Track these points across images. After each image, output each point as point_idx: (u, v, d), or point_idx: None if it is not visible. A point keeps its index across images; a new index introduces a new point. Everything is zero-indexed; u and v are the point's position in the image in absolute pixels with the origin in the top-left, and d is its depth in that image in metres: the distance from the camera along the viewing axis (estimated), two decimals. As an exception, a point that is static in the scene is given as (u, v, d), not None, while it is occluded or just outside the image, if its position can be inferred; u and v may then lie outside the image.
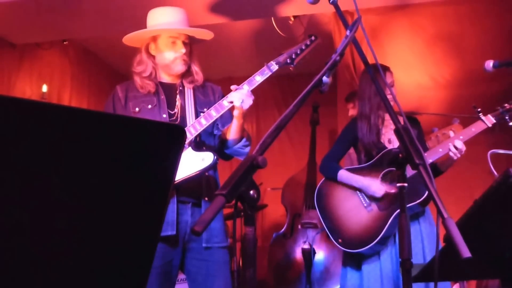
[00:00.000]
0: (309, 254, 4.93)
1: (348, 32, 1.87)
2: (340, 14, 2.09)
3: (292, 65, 2.85)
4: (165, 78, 2.99)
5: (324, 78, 1.83)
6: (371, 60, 1.92)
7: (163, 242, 2.73)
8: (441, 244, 1.58)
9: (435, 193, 1.44)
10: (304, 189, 5.43)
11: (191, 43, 2.97)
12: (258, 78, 2.79)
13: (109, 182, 1.25)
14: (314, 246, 5.00)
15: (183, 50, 2.89)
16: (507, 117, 3.06)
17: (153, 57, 2.95)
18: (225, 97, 2.79)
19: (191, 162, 2.72)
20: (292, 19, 5.55)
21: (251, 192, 1.61)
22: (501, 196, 1.57)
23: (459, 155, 3.07)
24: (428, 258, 3.10)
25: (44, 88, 6.22)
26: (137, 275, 1.35)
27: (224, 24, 5.43)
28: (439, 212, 1.40)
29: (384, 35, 5.16)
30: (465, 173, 4.60)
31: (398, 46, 5.23)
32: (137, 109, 2.89)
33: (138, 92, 2.93)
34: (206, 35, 3.03)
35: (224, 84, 3.22)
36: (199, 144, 2.84)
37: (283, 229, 5.51)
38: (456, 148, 3.04)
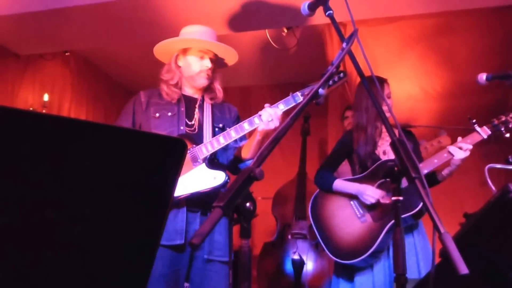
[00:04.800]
0: (299, 264, 4.92)
1: (344, 45, 1.87)
2: (336, 26, 2.10)
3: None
4: (188, 91, 3.12)
5: (320, 90, 1.83)
6: (365, 71, 1.91)
7: (172, 250, 2.80)
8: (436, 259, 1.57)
9: (432, 207, 1.43)
10: (294, 199, 5.43)
11: (216, 63, 3.11)
12: (282, 107, 2.83)
13: (111, 192, 1.28)
14: (304, 257, 4.99)
15: (209, 65, 3.03)
16: (502, 129, 3.03)
17: (180, 67, 3.08)
18: (255, 115, 2.83)
19: (203, 178, 2.81)
20: (285, 30, 5.56)
21: (247, 204, 1.59)
22: (499, 211, 1.56)
23: (468, 153, 3.02)
24: (423, 272, 3.07)
25: (46, 97, 6.40)
26: (137, 281, 1.37)
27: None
28: (436, 227, 1.38)
29: (375, 47, 5.18)
30: (455, 185, 4.61)
31: (389, 58, 5.25)
32: (157, 114, 3.00)
33: (160, 99, 3.05)
34: (232, 56, 3.16)
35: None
36: (213, 161, 2.92)
37: (272, 239, 5.50)
38: (460, 148, 3.02)
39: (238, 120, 3.16)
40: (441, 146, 3.14)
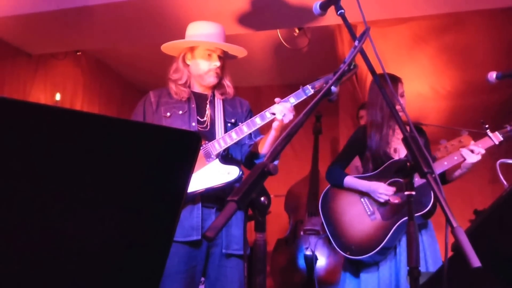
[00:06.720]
0: (311, 260, 4.95)
1: (356, 43, 1.90)
2: (347, 25, 2.12)
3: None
4: (197, 88, 3.10)
5: (333, 88, 1.85)
6: (377, 69, 1.93)
7: (189, 246, 2.80)
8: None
9: (444, 202, 1.43)
10: (306, 196, 5.47)
11: (224, 58, 3.08)
12: (292, 100, 2.83)
13: (123, 186, 1.26)
14: (316, 252, 5.02)
15: (218, 63, 3.01)
16: None
17: (188, 66, 3.06)
18: (266, 110, 2.83)
19: (217, 174, 2.81)
20: (297, 31, 5.58)
21: (262, 198, 1.62)
22: (511, 206, 1.56)
23: (479, 157, 3.02)
24: (431, 269, 3.09)
25: (58, 97, 6.41)
26: (150, 278, 1.36)
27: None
28: (448, 221, 1.39)
29: (385, 47, 5.18)
30: (465, 183, 4.62)
31: (399, 58, 5.25)
32: (168, 113, 2.98)
33: (170, 98, 3.03)
34: (240, 52, 3.13)
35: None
36: (226, 157, 2.92)
37: (285, 235, 5.55)
38: (472, 151, 3.02)
39: (250, 113, 3.15)
40: (462, 146, 3.13)
